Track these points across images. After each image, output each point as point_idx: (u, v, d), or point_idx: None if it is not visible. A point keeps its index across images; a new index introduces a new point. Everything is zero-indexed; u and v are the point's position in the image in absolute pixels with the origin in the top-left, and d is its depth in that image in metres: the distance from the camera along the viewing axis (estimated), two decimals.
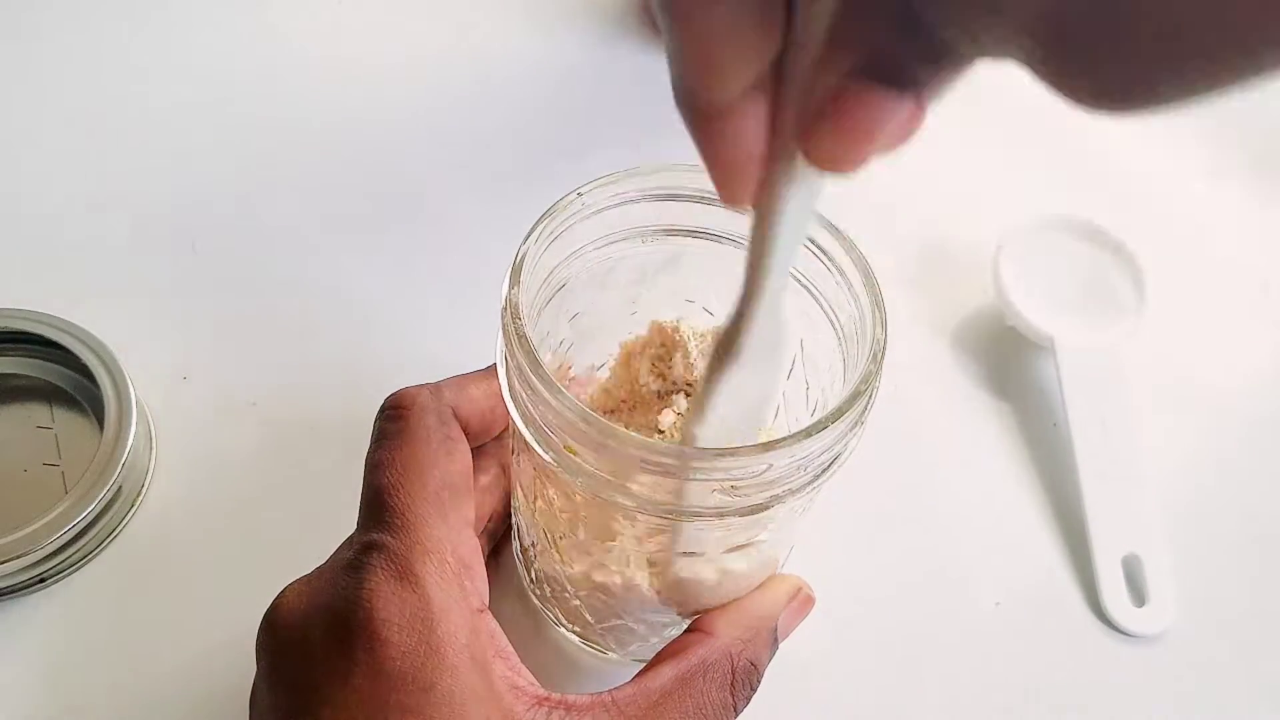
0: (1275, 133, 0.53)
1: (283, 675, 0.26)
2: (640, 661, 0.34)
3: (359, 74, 0.51)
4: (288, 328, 0.42)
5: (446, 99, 0.50)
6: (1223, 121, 0.53)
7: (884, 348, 0.26)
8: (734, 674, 0.28)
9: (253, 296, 0.43)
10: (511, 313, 0.25)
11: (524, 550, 0.33)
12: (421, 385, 0.30)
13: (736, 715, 0.28)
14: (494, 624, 0.27)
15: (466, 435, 0.30)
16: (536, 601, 0.35)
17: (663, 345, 0.32)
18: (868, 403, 0.26)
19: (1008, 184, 0.50)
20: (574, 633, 0.34)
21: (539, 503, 0.30)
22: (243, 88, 0.50)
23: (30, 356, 0.39)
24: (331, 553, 0.30)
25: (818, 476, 0.26)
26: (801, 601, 0.31)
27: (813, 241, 0.28)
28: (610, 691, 0.27)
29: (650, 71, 0.51)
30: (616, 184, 0.28)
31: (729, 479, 0.24)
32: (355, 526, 0.28)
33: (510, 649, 0.27)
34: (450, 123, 0.49)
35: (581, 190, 0.28)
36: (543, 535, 0.31)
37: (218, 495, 0.38)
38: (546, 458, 0.26)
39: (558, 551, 0.30)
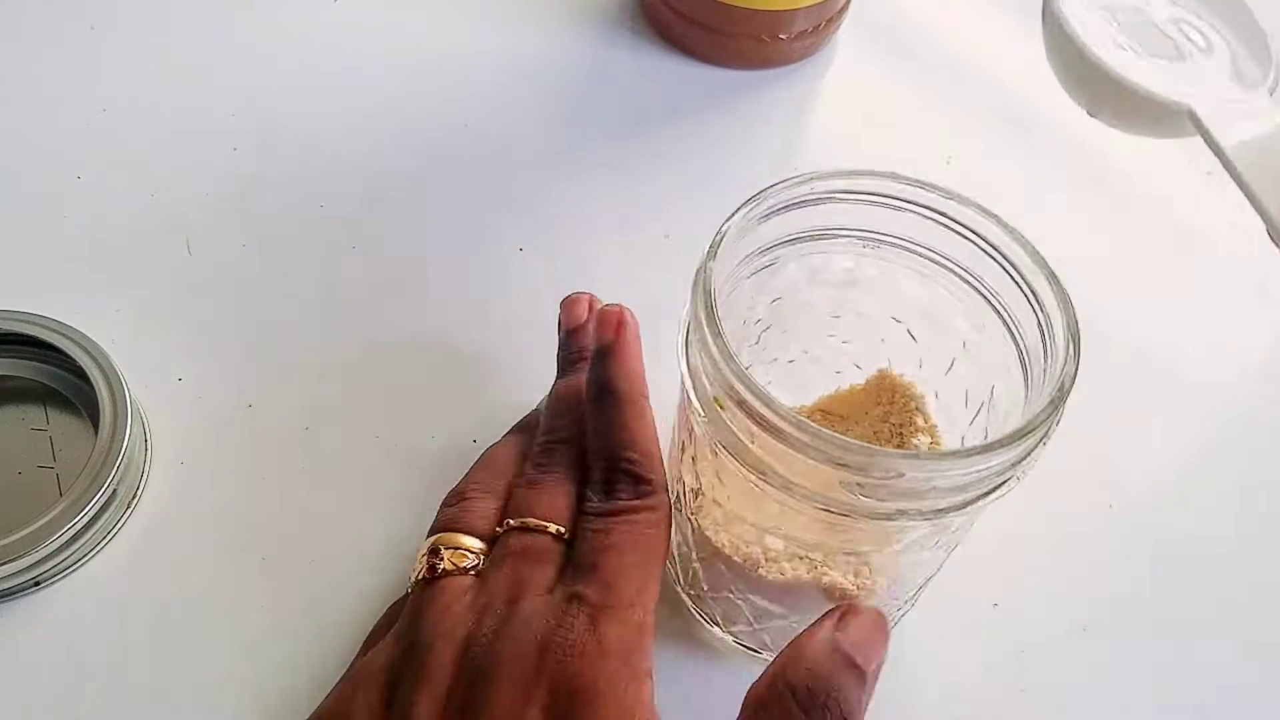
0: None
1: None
2: (741, 646, 0.34)
3: (354, 74, 0.51)
4: (283, 329, 0.42)
5: (444, 99, 0.50)
6: None
7: (1073, 379, 0.25)
8: (793, 692, 0.25)
9: (248, 297, 0.43)
10: (704, 285, 0.26)
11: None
12: (656, 462, 0.30)
13: None
14: (651, 688, 0.27)
15: None
16: None
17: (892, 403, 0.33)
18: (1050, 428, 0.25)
19: (1017, 194, 0.50)
20: (688, 595, 0.34)
21: (684, 456, 0.30)
22: (237, 88, 0.50)
23: (24, 358, 0.39)
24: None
25: (969, 503, 0.25)
26: (844, 612, 0.27)
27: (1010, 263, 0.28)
28: None
29: (650, 71, 0.51)
30: (850, 180, 0.28)
31: (867, 478, 0.24)
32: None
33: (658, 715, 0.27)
34: (447, 122, 0.49)
35: (814, 175, 0.28)
36: (681, 490, 0.31)
37: (214, 497, 0.38)
38: (703, 414, 0.26)
39: (692, 512, 0.31)
